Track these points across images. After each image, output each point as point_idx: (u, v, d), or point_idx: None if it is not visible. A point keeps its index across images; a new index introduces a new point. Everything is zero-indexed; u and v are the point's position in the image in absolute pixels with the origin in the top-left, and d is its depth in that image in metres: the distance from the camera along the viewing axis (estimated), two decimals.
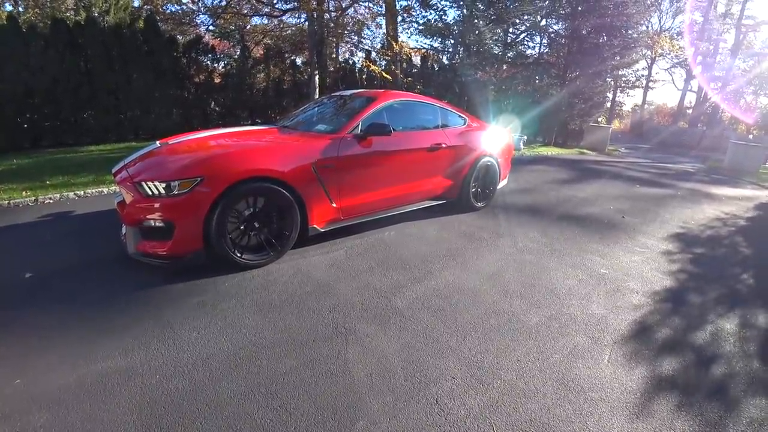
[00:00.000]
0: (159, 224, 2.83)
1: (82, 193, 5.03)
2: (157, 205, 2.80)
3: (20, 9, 14.64)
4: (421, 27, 13.95)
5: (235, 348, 2.21)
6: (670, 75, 30.66)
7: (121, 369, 2.01)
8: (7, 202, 4.50)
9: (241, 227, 3.05)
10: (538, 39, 16.22)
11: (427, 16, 13.94)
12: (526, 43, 15.79)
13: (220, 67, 12.36)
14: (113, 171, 3.39)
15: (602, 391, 2.05)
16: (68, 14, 13.19)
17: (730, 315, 2.97)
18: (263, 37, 17.80)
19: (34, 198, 4.66)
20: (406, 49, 12.49)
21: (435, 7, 13.63)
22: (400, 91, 6.36)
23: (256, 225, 3.11)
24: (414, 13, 13.86)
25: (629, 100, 32.63)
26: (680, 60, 26.54)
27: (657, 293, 3.20)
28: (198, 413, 1.76)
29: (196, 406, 1.80)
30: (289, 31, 17.45)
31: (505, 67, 15.31)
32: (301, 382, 1.98)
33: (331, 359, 2.16)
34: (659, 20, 27.28)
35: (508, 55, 15.01)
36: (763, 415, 1.99)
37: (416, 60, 15.17)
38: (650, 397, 2.04)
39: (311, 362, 2.13)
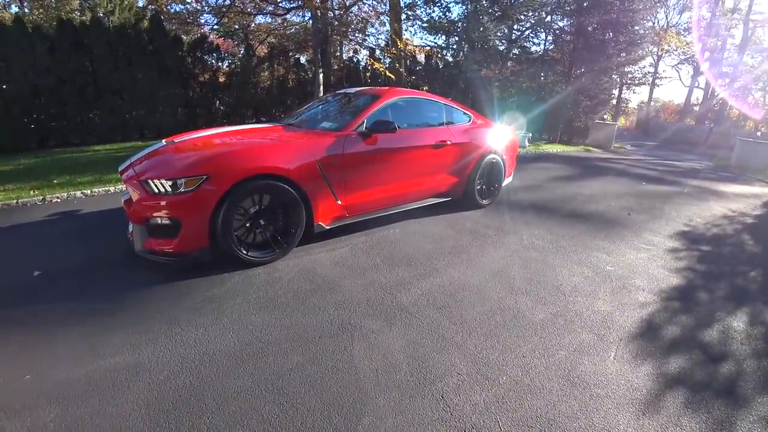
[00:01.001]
0: (165, 222, 2.85)
1: (88, 191, 5.07)
2: (163, 203, 2.82)
3: (26, 10, 14.76)
4: (425, 24, 13.91)
5: (242, 344, 2.22)
6: (677, 71, 30.37)
7: (129, 365, 2.03)
8: (15, 201, 4.54)
9: (247, 225, 3.07)
10: (543, 36, 16.14)
11: (431, 13, 13.92)
12: (531, 39, 15.71)
13: (224, 66, 12.39)
14: (120, 169, 3.41)
15: (608, 388, 2.04)
16: (73, 15, 13.29)
17: (737, 312, 2.95)
18: (267, 36, 17.81)
19: (41, 197, 4.71)
20: (410, 47, 12.46)
21: (439, 4, 13.60)
22: (405, 89, 6.35)
23: (262, 222, 3.13)
24: (418, 11, 13.85)
25: (635, 97, 32.48)
26: (687, 56, 26.32)
27: (663, 291, 3.18)
28: (205, 409, 1.78)
29: (204, 402, 1.81)
30: (293, 30, 17.44)
31: (509, 64, 15.24)
32: (307, 377, 1.99)
33: (336, 355, 2.17)
34: (666, 16, 27.08)
35: (513, 51, 14.93)
36: None
37: (420, 58, 15.14)
38: (656, 394, 2.03)
39: (317, 358, 2.14)
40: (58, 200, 4.79)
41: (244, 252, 3.05)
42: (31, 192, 4.84)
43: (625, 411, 1.90)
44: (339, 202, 3.57)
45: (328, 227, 3.55)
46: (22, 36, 8.12)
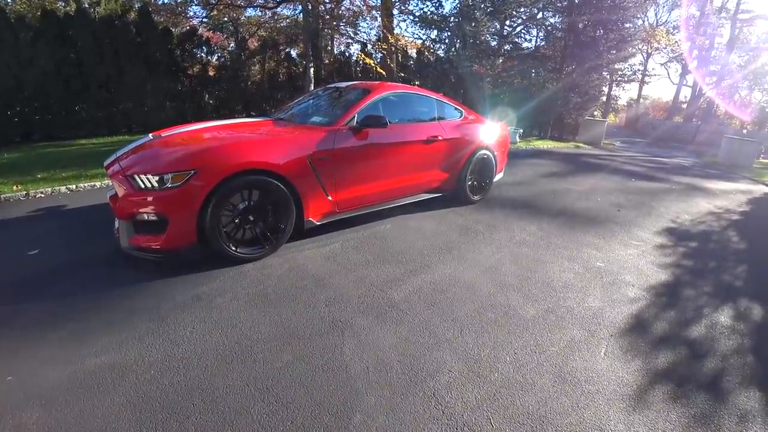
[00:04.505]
0: (152, 218, 2.79)
1: (74, 187, 4.96)
2: (150, 199, 2.75)
3: (8, 0, 14.36)
4: (417, 18, 13.86)
5: (230, 342, 2.19)
6: (666, 69, 30.70)
7: (115, 364, 1.98)
8: None
9: (236, 221, 3.01)
10: (534, 32, 16.20)
11: (423, 7, 13.85)
12: (522, 36, 15.77)
13: (214, 60, 12.21)
14: (105, 164, 3.33)
15: (599, 384, 2.05)
16: (57, 5, 12.97)
17: (723, 307, 2.99)
18: (257, 29, 17.60)
19: (24, 192, 4.59)
20: (402, 42, 12.39)
21: None
22: (397, 83, 6.31)
23: (251, 218, 3.08)
24: (410, 5, 13.78)
25: (625, 94, 32.75)
26: (676, 54, 26.59)
27: (652, 286, 3.21)
28: (193, 408, 1.74)
29: (191, 402, 1.78)
30: (284, 23, 17.23)
31: (501, 60, 15.26)
32: (297, 376, 1.97)
33: (327, 353, 2.14)
34: (655, 14, 27.31)
35: (505, 47, 14.96)
36: (756, 406, 2.01)
37: (412, 53, 15.08)
38: (646, 390, 2.04)
39: (307, 356, 2.11)
40: (42, 195, 4.67)
41: (233, 248, 3.00)
42: (14, 187, 4.72)
43: (616, 407, 1.91)
44: (329, 198, 3.53)
45: (318, 223, 3.51)
46: (5, 27, 7.90)
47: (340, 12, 14.63)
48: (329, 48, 18.47)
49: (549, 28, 15.72)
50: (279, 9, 14.85)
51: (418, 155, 4.29)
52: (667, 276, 3.43)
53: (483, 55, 13.74)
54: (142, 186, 2.77)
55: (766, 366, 2.34)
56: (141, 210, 2.79)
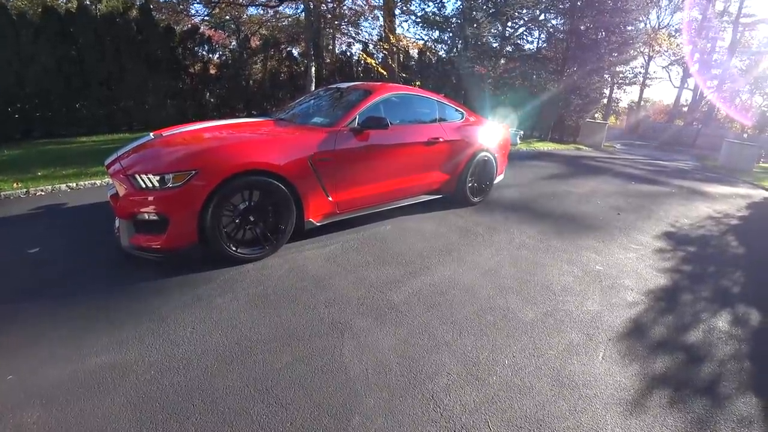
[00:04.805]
0: (153, 217, 2.79)
1: (74, 185, 4.96)
2: (150, 198, 2.76)
3: None
4: (419, 19, 13.87)
5: (230, 343, 2.19)
6: (667, 72, 30.69)
7: (115, 364, 1.99)
8: None
9: (237, 221, 3.02)
10: (536, 34, 16.22)
11: (425, 8, 13.86)
12: (524, 37, 15.80)
13: (215, 58, 12.20)
14: (106, 163, 3.33)
15: (597, 388, 2.06)
16: (59, 2, 12.97)
17: (721, 312, 3.00)
18: (259, 28, 17.58)
19: (25, 190, 4.59)
20: (403, 42, 12.40)
21: None
22: (398, 84, 6.31)
23: (252, 219, 3.08)
24: (412, 6, 13.78)
25: (626, 96, 32.76)
26: (677, 57, 26.57)
27: (651, 290, 3.22)
28: (193, 409, 1.75)
29: (191, 402, 1.79)
30: (286, 22, 17.24)
31: (502, 61, 15.27)
32: (296, 377, 1.97)
33: (326, 354, 2.15)
34: (657, 17, 27.29)
35: (506, 49, 14.97)
36: (753, 412, 2.02)
37: (413, 53, 15.09)
38: (644, 394, 2.05)
39: (307, 357, 2.12)
40: (43, 193, 4.68)
41: (234, 249, 3.01)
42: (15, 184, 4.72)
43: (613, 411, 1.92)
44: (330, 199, 3.54)
45: (318, 224, 3.52)
46: (6, 23, 7.88)
47: (342, 11, 14.61)
48: (331, 47, 18.47)
49: (551, 30, 15.75)
50: (281, 8, 14.85)
51: (419, 157, 4.30)
52: (666, 280, 3.44)
53: (484, 57, 13.76)
54: (143, 185, 2.78)
55: (764, 371, 2.36)
56: (142, 209, 2.80)
